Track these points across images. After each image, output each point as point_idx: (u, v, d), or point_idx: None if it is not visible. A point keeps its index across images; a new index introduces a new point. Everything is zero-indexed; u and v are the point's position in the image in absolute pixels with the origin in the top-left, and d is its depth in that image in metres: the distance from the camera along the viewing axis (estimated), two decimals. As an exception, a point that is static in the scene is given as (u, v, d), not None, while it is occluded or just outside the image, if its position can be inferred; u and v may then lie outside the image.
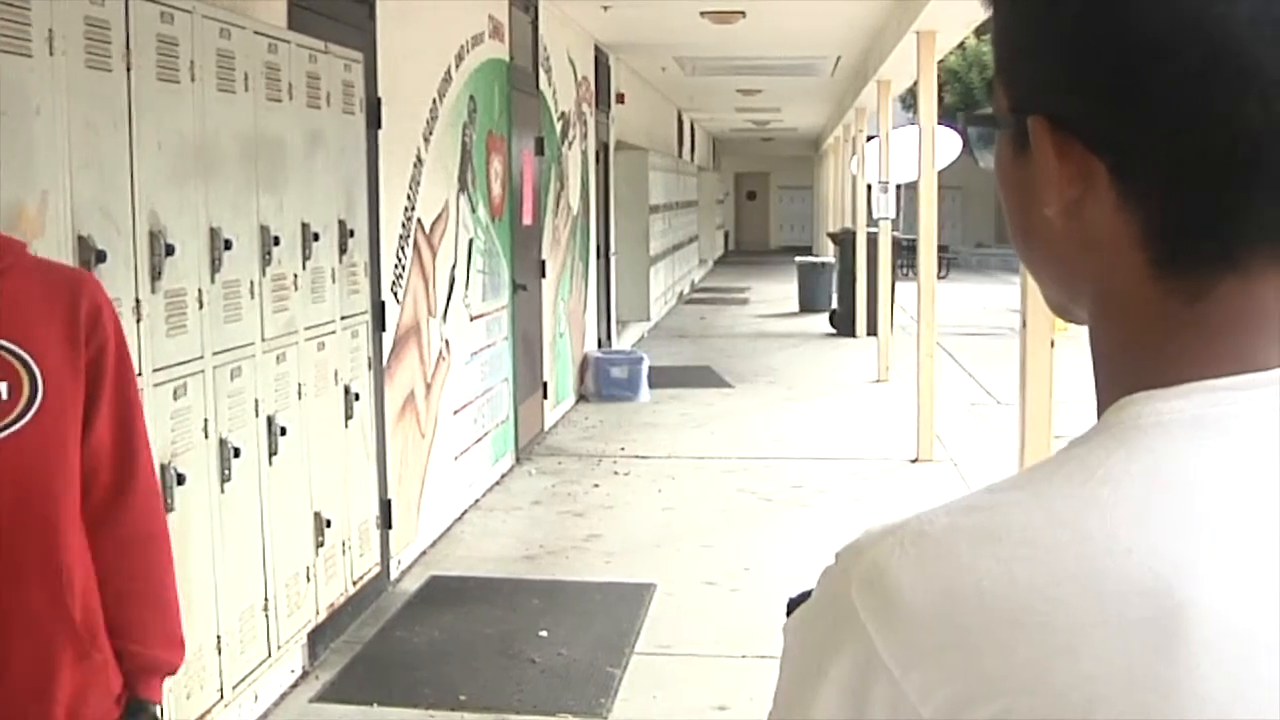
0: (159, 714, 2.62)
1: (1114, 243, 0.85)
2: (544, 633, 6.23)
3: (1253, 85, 0.79)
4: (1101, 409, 0.87)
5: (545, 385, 11.09)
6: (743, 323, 20.86)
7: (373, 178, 6.51)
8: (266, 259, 5.07)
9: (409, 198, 7.34)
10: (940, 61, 11.29)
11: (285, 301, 5.23)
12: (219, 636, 4.65)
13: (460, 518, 8.35)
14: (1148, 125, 0.81)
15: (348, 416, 5.95)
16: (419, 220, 7.49)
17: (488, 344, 9.11)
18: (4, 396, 2.28)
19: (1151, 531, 0.78)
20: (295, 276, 5.35)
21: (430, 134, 7.72)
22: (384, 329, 6.77)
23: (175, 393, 4.34)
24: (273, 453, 5.08)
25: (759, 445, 10.75)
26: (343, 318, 5.90)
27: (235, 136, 4.83)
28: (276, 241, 5.15)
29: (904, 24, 10.44)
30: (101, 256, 3.87)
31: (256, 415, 4.96)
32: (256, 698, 5.25)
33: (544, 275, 10.93)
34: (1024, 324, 5.26)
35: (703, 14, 11.87)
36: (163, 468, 4.07)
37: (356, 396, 6.03)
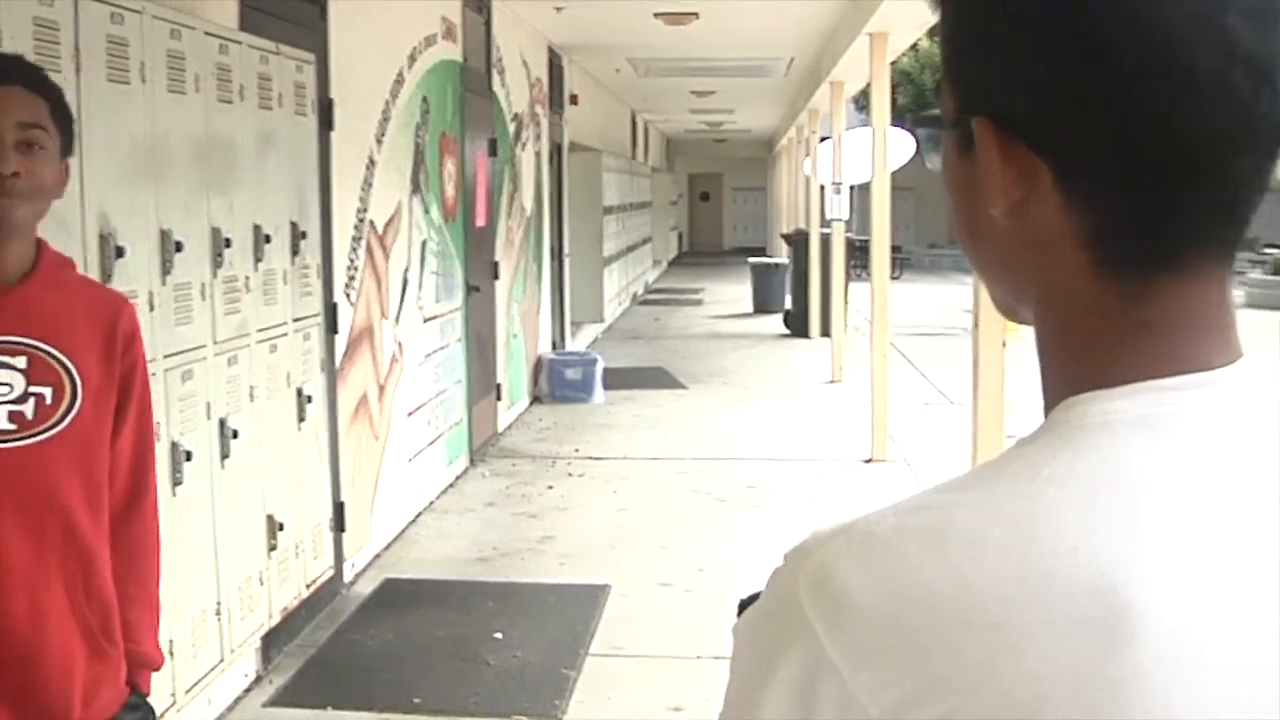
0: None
1: (1058, 243, 0.86)
2: (498, 635, 6.22)
3: (1191, 88, 0.80)
4: (1048, 409, 0.88)
5: (499, 387, 11.07)
6: (697, 324, 20.88)
7: (325, 179, 6.48)
8: (218, 261, 5.04)
9: (361, 199, 7.31)
10: (893, 63, 11.32)
11: (237, 304, 5.20)
12: (171, 640, 4.61)
13: (414, 520, 8.33)
14: (1088, 126, 0.82)
15: (300, 419, 5.93)
16: (371, 222, 7.47)
17: (441, 346, 9.09)
18: (48, 400, 2.50)
19: (1097, 531, 0.78)
20: (247, 278, 5.32)
21: (383, 135, 7.69)
22: (336, 331, 6.74)
23: (126, 396, 4.30)
24: (224, 456, 5.05)
25: (713, 446, 10.76)
26: (295, 320, 5.87)
27: (186, 138, 4.80)
28: (228, 243, 5.12)
29: (857, 25, 10.47)
30: (50, 259, 3.84)
31: (208, 418, 4.94)
32: (209, 702, 5.21)
33: (497, 277, 10.91)
34: (976, 324, 5.30)
35: (656, 15, 11.88)
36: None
37: (309, 399, 6.01)
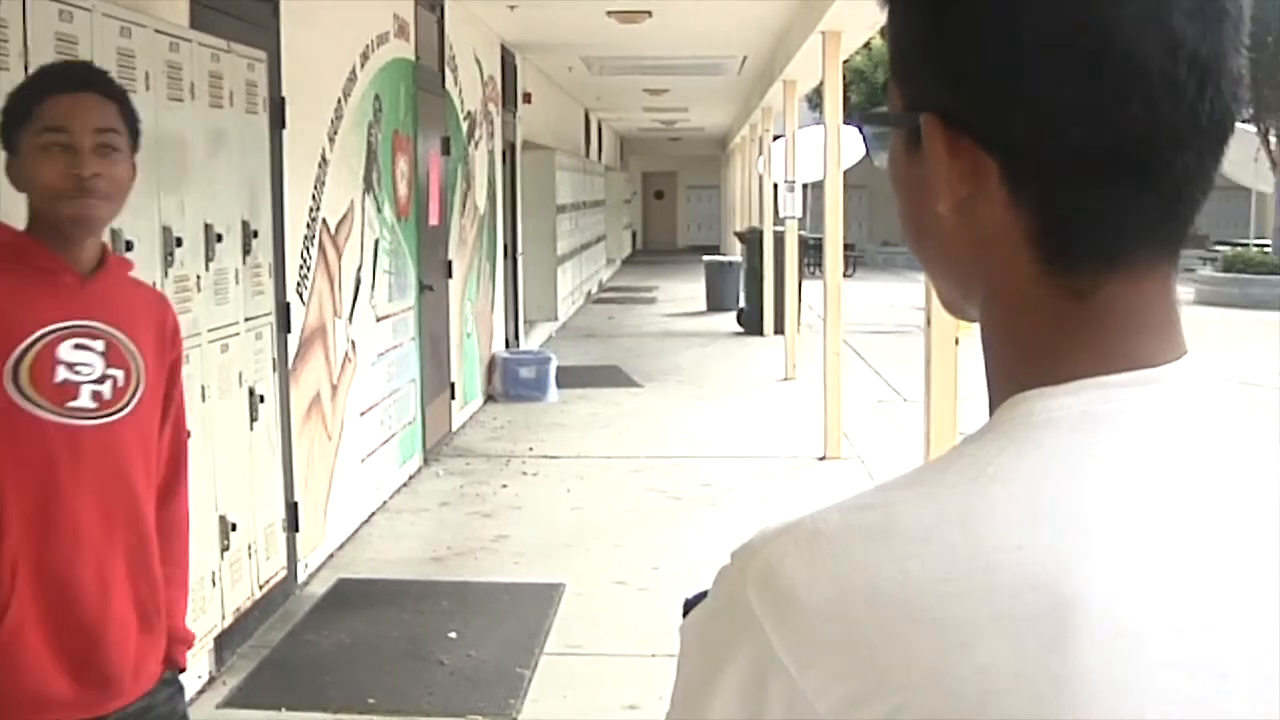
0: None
1: (1004, 240, 0.86)
2: (453, 634, 6.21)
3: (1137, 86, 0.81)
4: (993, 406, 0.89)
5: (453, 386, 11.04)
6: (651, 322, 20.89)
7: (277, 178, 6.45)
8: (169, 260, 5.01)
9: (314, 198, 7.28)
10: (846, 61, 11.36)
11: (188, 303, 5.17)
12: (123, 643, 4.59)
13: (368, 520, 8.30)
14: (1034, 123, 0.83)
15: (252, 419, 5.90)
16: (324, 221, 7.44)
17: (394, 345, 9.06)
18: (120, 383, 2.71)
19: (1041, 528, 0.79)
20: (198, 278, 5.29)
21: (335, 134, 7.66)
22: (289, 330, 6.71)
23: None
24: (176, 456, 5.01)
25: (668, 444, 10.77)
26: (247, 319, 5.84)
27: (136, 136, 4.76)
28: (179, 242, 5.09)
29: (809, 24, 10.50)
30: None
31: (160, 418, 4.90)
32: (161, 704, 5.18)
33: (451, 275, 10.88)
34: (929, 322, 5.32)
35: (609, 14, 11.88)
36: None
37: (261, 399, 5.98)
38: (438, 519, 8.47)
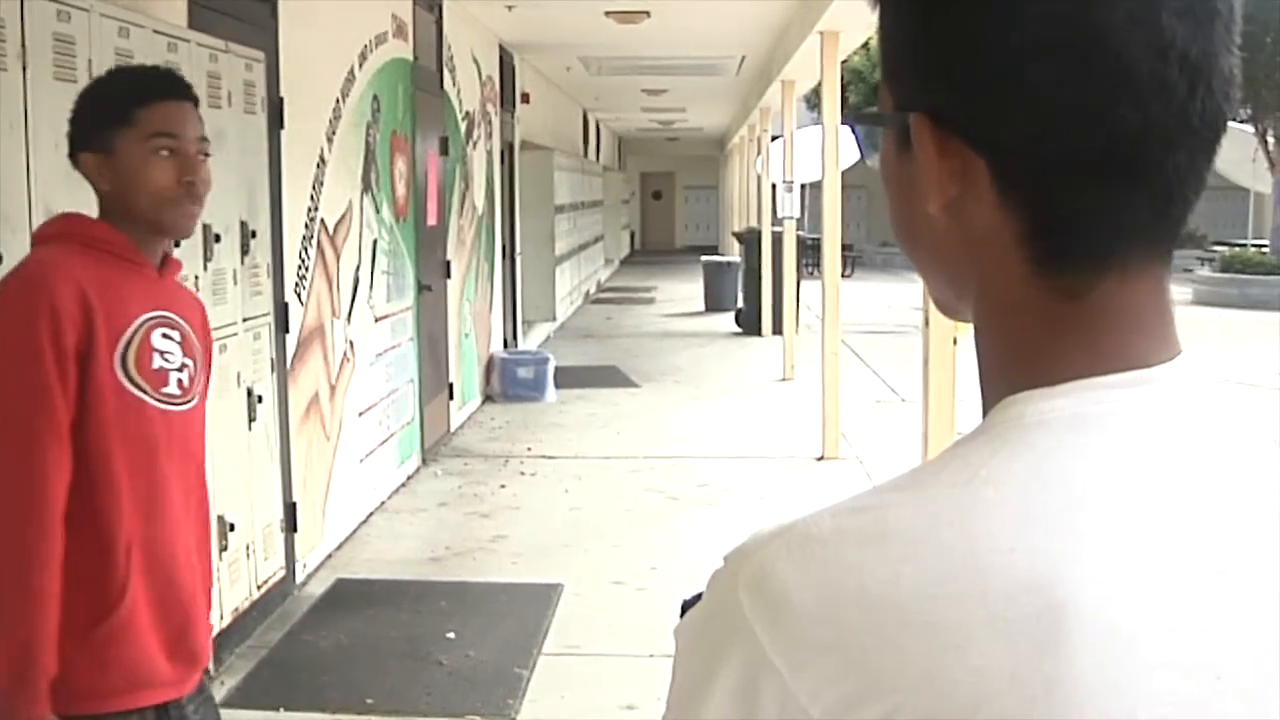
0: None
1: (995, 241, 0.86)
2: (451, 635, 6.21)
3: (1127, 87, 0.81)
4: (986, 407, 0.89)
5: (451, 386, 11.04)
6: (649, 322, 20.88)
7: (275, 178, 6.45)
8: (167, 260, 5.00)
9: (312, 198, 7.28)
10: (844, 61, 11.37)
11: (186, 303, 5.16)
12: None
13: (366, 520, 8.30)
14: (1024, 124, 0.83)
15: (251, 419, 5.90)
16: (322, 221, 7.43)
17: (393, 345, 9.06)
18: (192, 372, 2.84)
19: (1033, 530, 0.79)
20: (196, 278, 5.29)
21: (333, 134, 7.66)
22: (287, 330, 6.71)
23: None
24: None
25: (666, 444, 10.77)
26: (245, 319, 5.84)
27: (134, 136, 4.76)
28: (177, 243, 5.07)
29: (807, 24, 10.50)
30: (-3, 258, 3.82)
31: (158, 418, 4.89)
32: (159, 704, 5.18)
33: (449, 276, 10.88)
34: (927, 322, 5.31)
35: (607, 14, 11.88)
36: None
37: (259, 399, 5.98)
38: (436, 519, 8.47)
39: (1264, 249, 28.21)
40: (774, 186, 16.47)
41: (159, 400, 2.73)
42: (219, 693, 5.57)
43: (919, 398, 5.44)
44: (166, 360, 2.75)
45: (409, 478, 9.42)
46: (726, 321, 19.65)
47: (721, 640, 0.83)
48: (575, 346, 17.05)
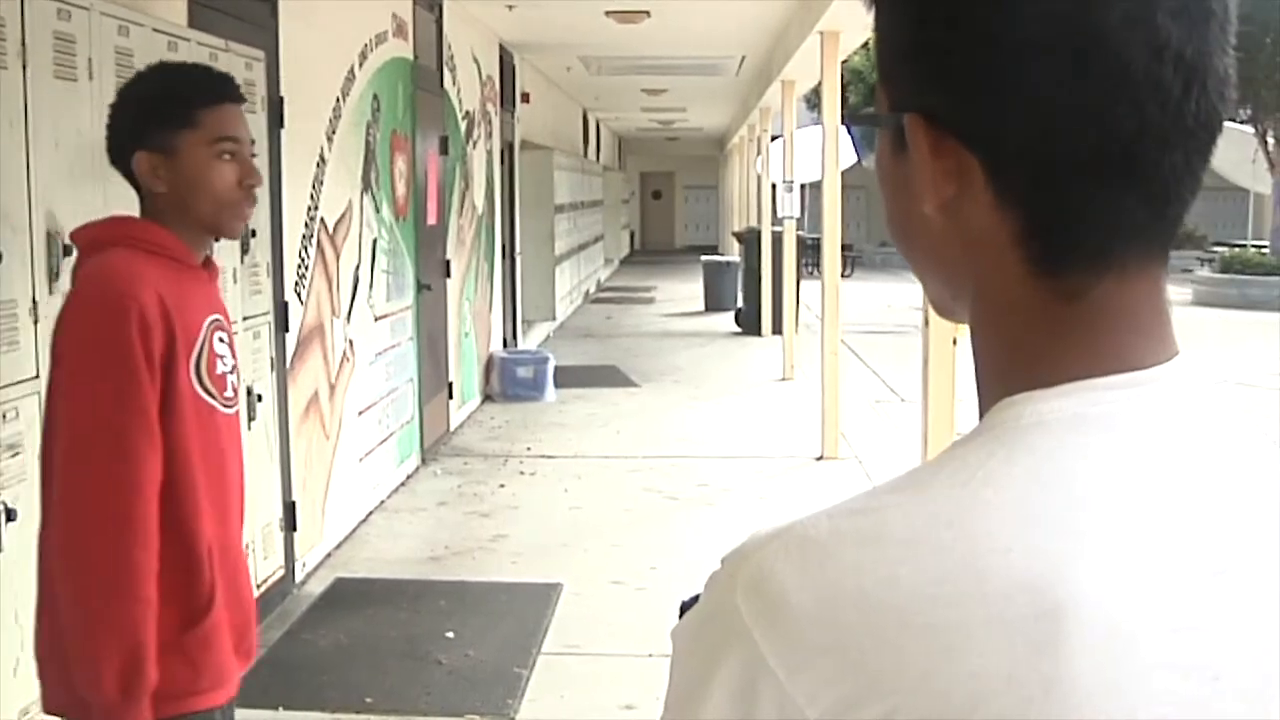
0: None
1: (991, 241, 0.86)
2: (450, 634, 6.21)
3: (1124, 87, 0.81)
4: (983, 409, 0.88)
5: (450, 385, 11.04)
6: (649, 322, 20.88)
7: (275, 177, 6.45)
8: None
9: (312, 197, 7.28)
10: (844, 62, 11.36)
11: (186, 302, 5.16)
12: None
13: (365, 519, 8.30)
14: (1020, 124, 0.83)
15: (250, 418, 5.89)
16: (322, 220, 7.43)
17: (392, 344, 9.06)
18: (239, 375, 2.88)
19: (1032, 531, 0.79)
20: (196, 277, 5.27)
21: (333, 133, 7.66)
22: (287, 330, 6.71)
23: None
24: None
25: (665, 444, 10.77)
26: (245, 318, 5.84)
27: (134, 135, 4.76)
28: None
29: (807, 24, 10.50)
30: (-3, 257, 3.82)
31: (157, 417, 4.89)
32: (159, 703, 5.18)
33: (449, 275, 10.88)
34: (926, 322, 5.32)
35: (607, 13, 11.87)
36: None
37: (259, 398, 5.98)
38: (435, 518, 8.47)
39: (1264, 249, 28.22)
40: (774, 186, 16.47)
41: (222, 404, 2.77)
42: (218, 692, 5.57)
43: (918, 398, 5.44)
44: (223, 364, 2.77)
45: (408, 477, 9.42)
46: (726, 321, 19.65)
47: (719, 642, 0.83)
48: (575, 346, 17.05)
